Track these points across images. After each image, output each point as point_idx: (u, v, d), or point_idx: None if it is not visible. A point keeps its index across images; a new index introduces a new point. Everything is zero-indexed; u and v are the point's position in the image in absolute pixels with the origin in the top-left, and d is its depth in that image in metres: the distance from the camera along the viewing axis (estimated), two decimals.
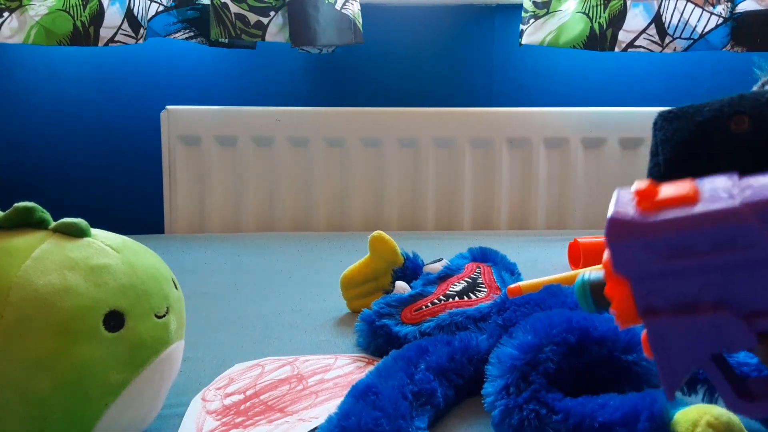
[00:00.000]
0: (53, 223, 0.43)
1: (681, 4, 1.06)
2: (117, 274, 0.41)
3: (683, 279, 0.28)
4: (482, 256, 0.72)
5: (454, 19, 1.26)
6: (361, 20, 1.16)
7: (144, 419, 0.44)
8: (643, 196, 0.29)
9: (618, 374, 0.43)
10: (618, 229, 0.28)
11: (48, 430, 0.38)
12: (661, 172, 0.38)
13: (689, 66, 1.26)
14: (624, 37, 1.08)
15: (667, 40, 1.08)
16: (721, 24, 1.06)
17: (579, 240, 0.86)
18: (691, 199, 0.28)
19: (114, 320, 0.40)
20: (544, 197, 1.23)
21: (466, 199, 1.23)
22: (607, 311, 0.32)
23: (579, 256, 0.85)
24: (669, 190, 0.29)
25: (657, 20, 1.07)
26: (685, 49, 1.08)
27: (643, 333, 0.31)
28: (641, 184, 0.29)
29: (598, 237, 0.87)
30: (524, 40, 1.12)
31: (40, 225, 0.42)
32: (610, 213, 0.29)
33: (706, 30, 1.07)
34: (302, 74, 1.28)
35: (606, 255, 0.30)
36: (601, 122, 1.21)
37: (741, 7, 1.06)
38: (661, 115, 0.42)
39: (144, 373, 0.41)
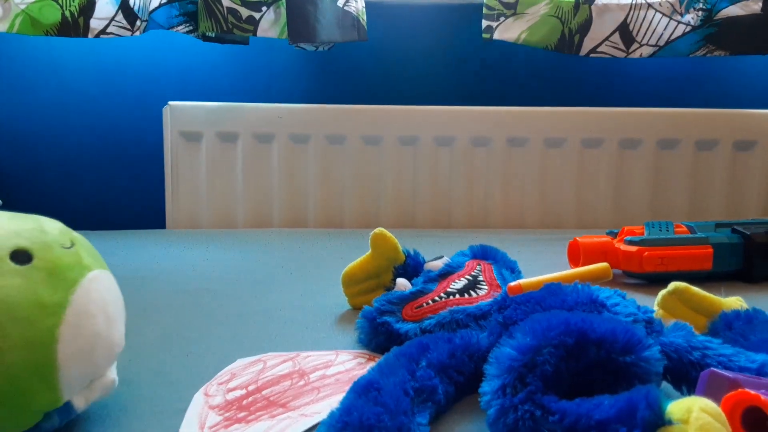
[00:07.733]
0: None
1: (650, 14, 1.11)
2: (7, 226, 0.40)
3: None
4: (483, 253, 0.73)
5: (453, 18, 1.26)
6: (365, 17, 1.16)
7: (110, 344, 0.42)
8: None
9: (617, 376, 0.44)
10: None
11: (5, 361, 0.37)
12: None
13: (688, 68, 1.27)
14: (588, 43, 1.13)
15: (634, 46, 1.13)
16: (688, 32, 1.12)
17: (579, 239, 0.86)
18: None
19: (21, 256, 0.39)
20: (543, 196, 1.24)
21: (465, 197, 1.24)
22: None
23: (579, 255, 0.86)
24: None
25: (623, 29, 1.12)
26: (651, 56, 1.13)
27: None
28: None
29: (598, 237, 0.87)
30: (497, 36, 1.14)
31: None
32: None
33: (673, 37, 1.12)
34: (304, 71, 1.28)
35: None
36: (600, 122, 1.22)
37: (724, 13, 1.11)
38: None
39: (79, 290, 0.40)
